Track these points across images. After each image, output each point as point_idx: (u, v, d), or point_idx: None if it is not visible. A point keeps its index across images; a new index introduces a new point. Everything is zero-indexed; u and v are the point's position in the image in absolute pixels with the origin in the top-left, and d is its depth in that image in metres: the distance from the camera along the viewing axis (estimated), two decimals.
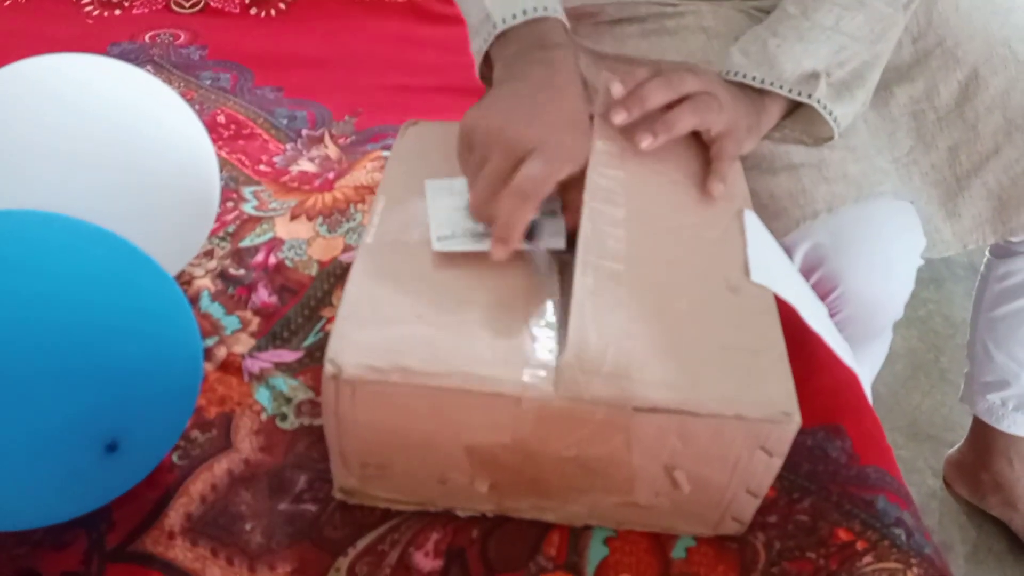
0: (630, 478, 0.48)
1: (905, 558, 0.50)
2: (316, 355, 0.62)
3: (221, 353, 0.62)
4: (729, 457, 0.46)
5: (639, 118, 0.58)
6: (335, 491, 0.52)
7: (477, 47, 0.63)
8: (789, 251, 0.68)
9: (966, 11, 0.72)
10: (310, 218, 0.76)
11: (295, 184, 0.81)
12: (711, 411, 0.44)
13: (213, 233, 0.73)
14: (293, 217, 0.76)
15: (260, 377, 0.60)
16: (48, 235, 0.47)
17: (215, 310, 0.66)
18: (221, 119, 0.91)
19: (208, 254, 0.71)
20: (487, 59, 0.64)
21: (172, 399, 0.48)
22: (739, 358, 0.47)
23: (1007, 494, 1.02)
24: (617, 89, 0.58)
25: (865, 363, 0.81)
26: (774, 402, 0.45)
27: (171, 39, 1.07)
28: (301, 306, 0.67)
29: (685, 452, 0.46)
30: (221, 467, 0.54)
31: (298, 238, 0.73)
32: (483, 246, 0.52)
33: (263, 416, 0.57)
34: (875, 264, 0.67)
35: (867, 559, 0.50)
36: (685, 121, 0.58)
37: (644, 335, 0.47)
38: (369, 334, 0.46)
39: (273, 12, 1.14)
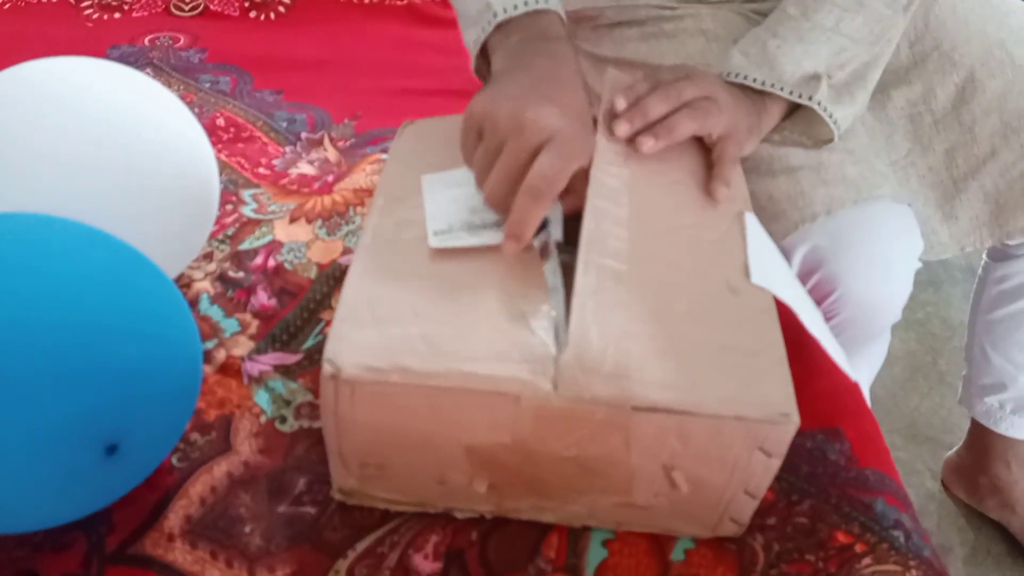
0: (629, 478, 0.48)
1: (904, 560, 0.50)
2: (315, 358, 0.62)
3: (220, 356, 0.62)
4: (728, 458, 0.46)
5: (641, 126, 0.58)
6: (334, 492, 0.52)
7: (474, 37, 0.62)
8: (788, 253, 0.68)
9: (963, 14, 0.73)
10: (309, 221, 0.76)
11: (294, 187, 0.81)
12: (710, 411, 0.44)
13: (212, 236, 0.73)
14: (292, 220, 0.76)
15: (259, 380, 0.60)
16: (48, 238, 0.48)
17: (214, 313, 0.66)
18: (220, 122, 0.91)
19: (207, 257, 0.71)
20: (483, 53, 0.64)
21: (172, 401, 0.48)
22: (739, 359, 0.47)
23: (1005, 496, 1.02)
24: (620, 103, 0.58)
25: (864, 365, 0.81)
26: (773, 403, 0.45)
27: (171, 42, 1.07)
28: (300, 309, 0.67)
29: (684, 452, 0.46)
30: (221, 469, 0.54)
31: (297, 241, 0.74)
32: (480, 240, 0.52)
33: (262, 419, 0.58)
34: (873, 266, 0.67)
35: (866, 561, 0.50)
36: (684, 126, 0.58)
37: (644, 335, 0.47)
38: (367, 334, 0.46)
39: (272, 15, 1.14)
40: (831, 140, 0.68)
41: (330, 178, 0.82)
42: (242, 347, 0.63)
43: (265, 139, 0.88)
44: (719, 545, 0.51)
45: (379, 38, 1.10)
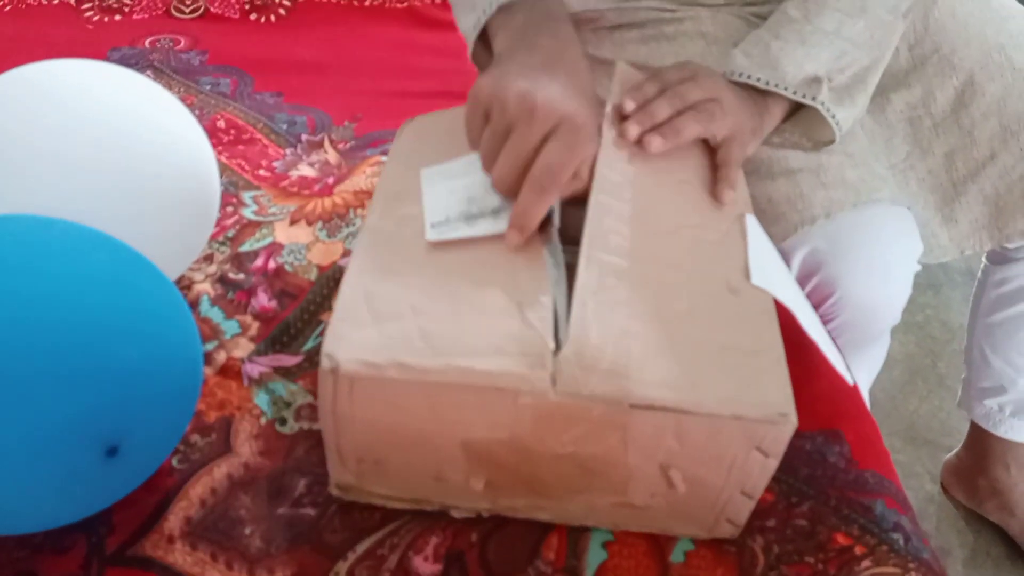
0: (626, 478, 0.48)
1: (903, 562, 0.50)
2: (316, 359, 0.62)
3: (221, 357, 0.62)
4: (725, 457, 0.46)
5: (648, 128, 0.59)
6: (331, 487, 0.52)
7: (474, 21, 0.62)
8: (787, 256, 0.68)
9: (962, 18, 0.73)
10: (310, 223, 0.76)
11: (295, 189, 0.81)
12: (708, 410, 0.44)
13: (213, 238, 0.73)
14: (293, 222, 0.76)
15: (260, 381, 0.61)
16: (49, 240, 0.48)
17: (215, 314, 0.66)
18: (221, 124, 0.91)
19: (208, 259, 0.71)
20: (483, 39, 0.63)
21: (172, 403, 0.48)
22: (737, 359, 0.47)
23: (1004, 499, 1.02)
24: (629, 105, 0.58)
25: (863, 368, 0.81)
26: (771, 403, 0.45)
27: (171, 44, 1.07)
28: (301, 311, 0.67)
29: (681, 451, 0.46)
30: (221, 471, 0.54)
31: (298, 243, 0.74)
32: (477, 230, 0.52)
33: (263, 420, 0.58)
34: (873, 269, 0.67)
35: (865, 563, 0.50)
36: (690, 129, 0.59)
37: (644, 333, 0.47)
38: (365, 329, 0.46)
39: (273, 17, 1.15)
40: (831, 142, 0.68)
41: (330, 180, 0.82)
42: (242, 349, 0.63)
43: (265, 141, 0.89)
44: (719, 547, 0.51)
45: (379, 40, 1.10)
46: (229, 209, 0.77)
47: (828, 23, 0.64)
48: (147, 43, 1.07)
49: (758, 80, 0.64)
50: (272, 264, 0.71)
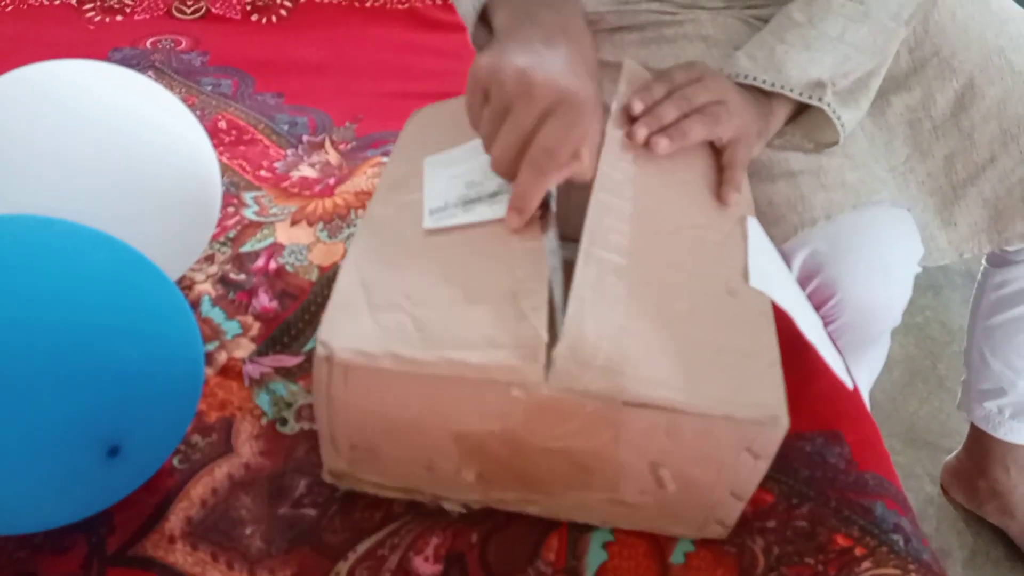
0: (616, 474, 0.48)
1: (903, 564, 0.50)
2: None
3: (222, 358, 0.62)
4: (715, 457, 0.46)
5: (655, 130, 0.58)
6: (324, 474, 0.52)
7: (470, 3, 0.61)
8: (787, 258, 0.68)
9: (962, 21, 0.73)
10: (311, 223, 0.76)
11: (296, 190, 0.81)
12: (700, 410, 0.44)
13: (214, 238, 0.73)
14: (294, 222, 0.76)
15: (260, 382, 0.61)
16: (50, 240, 0.48)
17: (216, 315, 0.66)
18: (222, 125, 0.91)
19: (209, 259, 0.71)
20: (484, 20, 0.63)
21: (173, 403, 0.48)
22: (732, 360, 0.47)
23: (1004, 501, 1.02)
24: (637, 107, 0.58)
25: (863, 369, 0.81)
26: (763, 405, 0.45)
27: (172, 45, 1.07)
28: (302, 311, 0.67)
29: (672, 450, 0.46)
30: (221, 471, 0.54)
31: (299, 243, 0.74)
32: (474, 216, 0.52)
33: (263, 421, 0.58)
34: (873, 271, 0.67)
35: (865, 565, 0.50)
36: (696, 132, 0.59)
37: (640, 332, 0.47)
38: (361, 318, 0.46)
39: (274, 18, 1.15)
40: (833, 143, 0.68)
41: (331, 181, 0.82)
42: (243, 349, 0.63)
43: (267, 142, 0.89)
44: (718, 548, 0.51)
45: (380, 42, 1.10)
46: (230, 210, 0.77)
47: (832, 28, 0.64)
48: (148, 44, 1.07)
49: (763, 82, 0.64)
50: (273, 265, 0.71)
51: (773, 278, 0.54)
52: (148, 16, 1.14)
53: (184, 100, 0.94)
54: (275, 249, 0.73)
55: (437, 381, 0.45)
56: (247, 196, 0.79)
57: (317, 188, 0.81)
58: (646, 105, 0.59)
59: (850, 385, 0.53)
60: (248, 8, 1.16)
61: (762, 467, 0.46)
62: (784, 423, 0.44)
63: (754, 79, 0.64)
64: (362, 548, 0.50)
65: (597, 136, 0.53)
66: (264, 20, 1.15)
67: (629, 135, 0.58)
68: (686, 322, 0.48)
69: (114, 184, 0.58)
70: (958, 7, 0.74)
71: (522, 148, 0.50)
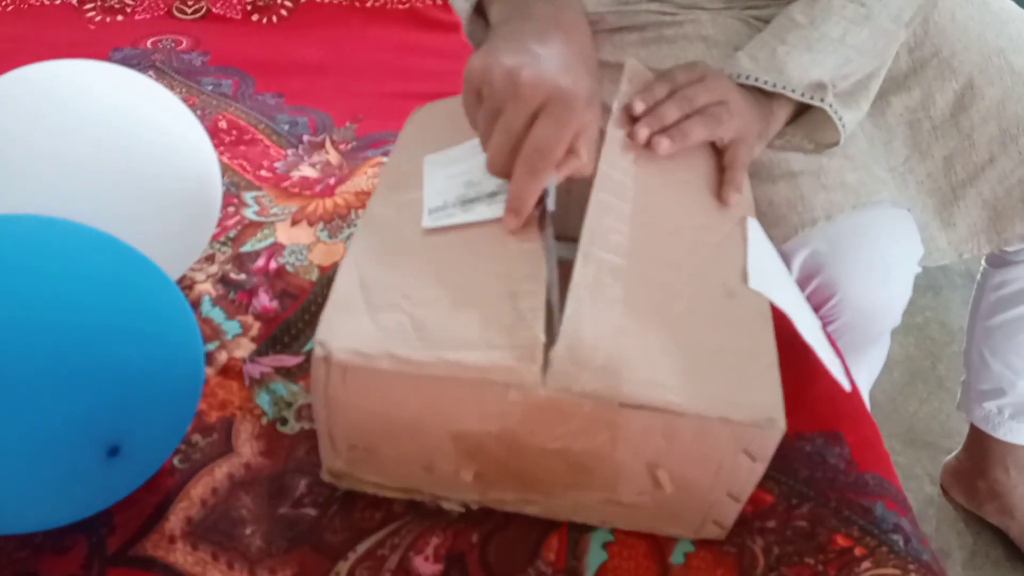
0: (614, 475, 0.48)
1: (903, 564, 0.50)
2: None
3: (222, 357, 0.62)
4: (712, 459, 0.46)
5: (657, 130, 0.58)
6: (323, 473, 0.52)
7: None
8: (788, 258, 0.68)
9: (962, 21, 0.73)
10: (311, 223, 0.76)
11: (296, 190, 0.81)
12: (697, 412, 0.44)
13: (214, 238, 0.73)
14: (294, 222, 0.76)
15: (261, 382, 0.61)
16: (51, 239, 0.48)
17: (216, 315, 0.66)
18: (223, 125, 0.91)
19: (209, 259, 0.71)
20: (480, 14, 0.62)
21: (173, 403, 0.48)
22: (730, 361, 0.47)
23: (1004, 501, 1.03)
24: (638, 107, 0.58)
25: (863, 370, 0.82)
26: (760, 407, 0.45)
27: (173, 45, 1.07)
28: (302, 311, 0.67)
29: (669, 451, 0.46)
30: (222, 471, 0.54)
31: (299, 243, 0.74)
32: (473, 216, 0.52)
33: (264, 420, 0.58)
34: (873, 271, 0.67)
35: (865, 565, 0.50)
36: (697, 133, 0.59)
37: (638, 333, 0.47)
38: (359, 318, 0.46)
39: (274, 18, 1.15)
40: (834, 144, 0.68)
41: (332, 181, 0.82)
42: (243, 349, 0.63)
43: (267, 142, 0.89)
44: (719, 548, 0.51)
45: (380, 42, 1.10)
46: (231, 209, 0.77)
47: (834, 30, 0.64)
48: (149, 44, 1.07)
49: (765, 83, 0.64)
50: (273, 264, 0.71)
51: (772, 279, 0.54)
52: (149, 16, 1.14)
53: (185, 100, 0.94)
54: (275, 249, 0.73)
55: (435, 382, 0.45)
56: (247, 196, 0.79)
57: (317, 188, 0.81)
58: (647, 105, 0.59)
59: (848, 387, 0.53)
60: (248, 8, 1.16)
61: (759, 469, 0.46)
62: (781, 425, 0.44)
63: (755, 80, 0.65)
64: (362, 548, 0.50)
65: (595, 130, 0.52)
66: (264, 20, 1.15)
67: (630, 135, 0.58)
68: (684, 323, 0.48)
69: (115, 184, 0.58)
70: (958, 8, 0.74)
71: (515, 148, 0.50)
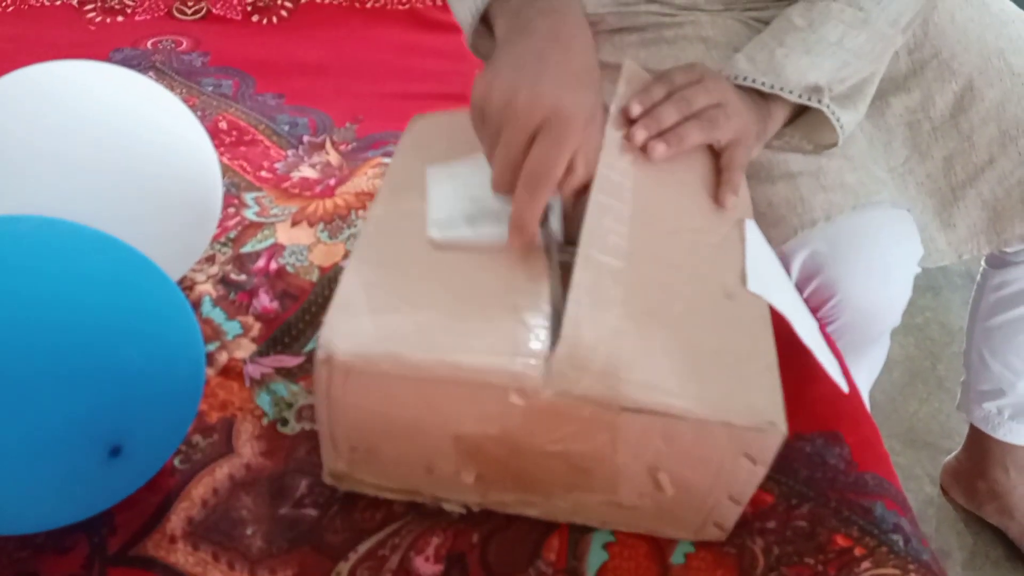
0: (614, 477, 0.48)
1: (903, 564, 0.51)
2: None
3: (222, 358, 0.62)
4: (713, 462, 0.46)
5: (654, 133, 0.58)
6: (324, 475, 0.52)
7: (471, 7, 0.61)
8: (787, 259, 0.68)
9: (962, 23, 0.73)
10: (311, 224, 0.76)
11: (296, 190, 0.81)
12: (698, 416, 0.45)
13: (215, 239, 0.73)
14: (294, 223, 0.76)
15: (261, 382, 0.61)
16: (51, 240, 0.48)
17: (216, 315, 0.66)
18: (223, 125, 0.91)
19: (210, 259, 0.72)
20: (488, 25, 0.63)
21: (174, 403, 0.49)
22: (730, 364, 0.47)
23: (1003, 502, 1.03)
24: (635, 109, 0.58)
25: (863, 370, 0.82)
26: (761, 411, 0.45)
27: (173, 46, 1.07)
28: (302, 311, 0.67)
29: (669, 454, 0.46)
30: (222, 472, 0.54)
31: (299, 244, 0.74)
32: (479, 235, 0.52)
33: (264, 421, 0.58)
34: (872, 272, 0.67)
35: (865, 565, 0.50)
36: (693, 137, 0.59)
37: (638, 335, 0.47)
38: (362, 321, 0.47)
39: (275, 19, 1.15)
40: (832, 145, 0.68)
41: (332, 182, 0.82)
42: (244, 350, 0.63)
43: (267, 143, 0.89)
44: (719, 549, 0.51)
45: (380, 42, 1.10)
46: (231, 210, 0.77)
47: (832, 33, 0.64)
48: (149, 44, 1.07)
49: (763, 84, 0.64)
50: (274, 265, 0.71)
51: (770, 282, 0.54)
52: (149, 17, 1.14)
53: (185, 101, 0.93)
54: (276, 250, 0.73)
55: (436, 384, 0.45)
56: (248, 197, 0.79)
57: (318, 189, 0.81)
58: (645, 107, 0.59)
59: (845, 388, 0.53)
60: (249, 9, 1.16)
61: (760, 472, 0.47)
62: (782, 429, 0.45)
63: (753, 81, 0.65)
64: (363, 548, 0.50)
65: (595, 142, 0.53)
66: (265, 21, 1.15)
67: (628, 137, 0.58)
68: (683, 325, 0.49)
69: (115, 185, 0.58)
70: (957, 9, 0.74)
71: (516, 168, 0.51)
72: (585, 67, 0.54)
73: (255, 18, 1.15)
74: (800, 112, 0.68)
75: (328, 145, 0.88)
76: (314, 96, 0.97)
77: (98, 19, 1.13)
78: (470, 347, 0.46)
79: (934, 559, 0.52)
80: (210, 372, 0.61)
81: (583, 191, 0.53)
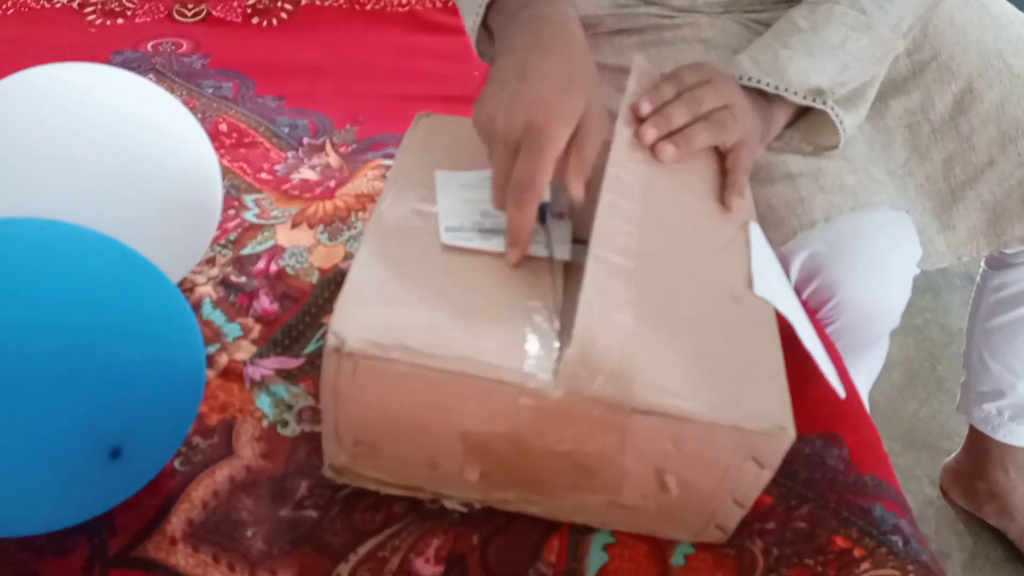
0: (620, 478, 0.48)
1: (902, 565, 0.51)
2: (317, 362, 0.63)
3: (223, 360, 0.62)
4: (720, 465, 0.46)
5: (664, 133, 0.59)
6: (324, 469, 0.52)
7: (472, 22, 0.63)
8: (787, 260, 0.68)
9: (961, 25, 0.73)
10: (311, 226, 0.76)
11: (296, 192, 0.81)
12: (708, 419, 0.45)
13: (215, 240, 0.73)
14: (294, 225, 0.76)
15: (261, 384, 0.61)
16: (52, 242, 0.48)
17: (217, 317, 0.66)
18: (223, 127, 0.91)
19: (210, 261, 0.72)
20: (488, 33, 0.64)
21: (175, 405, 0.49)
22: (738, 368, 0.47)
23: (1003, 503, 1.03)
24: (645, 107, 0.59)
25: (862, 371, 0.82)
26: (770, 415, 0.45)
27: (173, 48, 1.07)
28: (302, 313, 0.67)
29: (677, 456, 0.46)
30: (223, 473, 0.54)
31: (299, 246, 0.74)
32: (489, 244, 0.53)
33: (264, 423, 0.58)
34: (872, 273, 0.67)
35: (864, 566, 0.51)
36: (701, 139, 0.59)
37: (648, 337, 0.47)
38: (373, 312, 0.47)
39: (275, 21, 1.15)
40: (833, 147, 0.68)
41: (332, 183, 0.82)
42: (244, 351, 0.63)
43: (267, 144, 0.89)
44: (719, 550, 0.51)
45: (380, 44, 1.10)
46: (231, 212, 0.77)
47: (834, 36, 0.64)
48: (149, 47, 1.07)
49: (767, 85, 0.65)
50: (274, 267, 0.71)
51: (775, 285, 0.54)
52: (149, 19, 1.14)
53: (185, 103, 0.93)
54: (276, 251, 0.73)
55: (447, 378, 0.45)
56: (248, 199, 0.79)
57: (318, 190, 0.81)
58: (655, 106, 0.59)
59: (842, 394, 0.53)
60: (249, 11, 1.16)
61: (766, 475, 0.47)
62: (791, 434, 0.45)
63: (757, 82, 0.65)
64: (363, 550, 0.50)
65: (593, 130, 0.54)
66: (265, 23, 1.15)
67: (637, 135, 0.58)
68: (692, 328, 0.49)
69: (115, 187, 0.58)
70: (957, 11, 0.74)
71: (507, 184, 0.53)
72: (566, 68, 0.55)
73: (255, 20, 1.15)
74: (800, 114, 0.68)
75: (328, 147, 0.89)
76: (314, 98, 0.97)
77: (98, 21, 1.13)
78: (482, 345, 0.46)
79: (933, 560, 0.52)
80: (210, 374, 0.61)
81: (591, 186, 0.54)
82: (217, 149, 0.69)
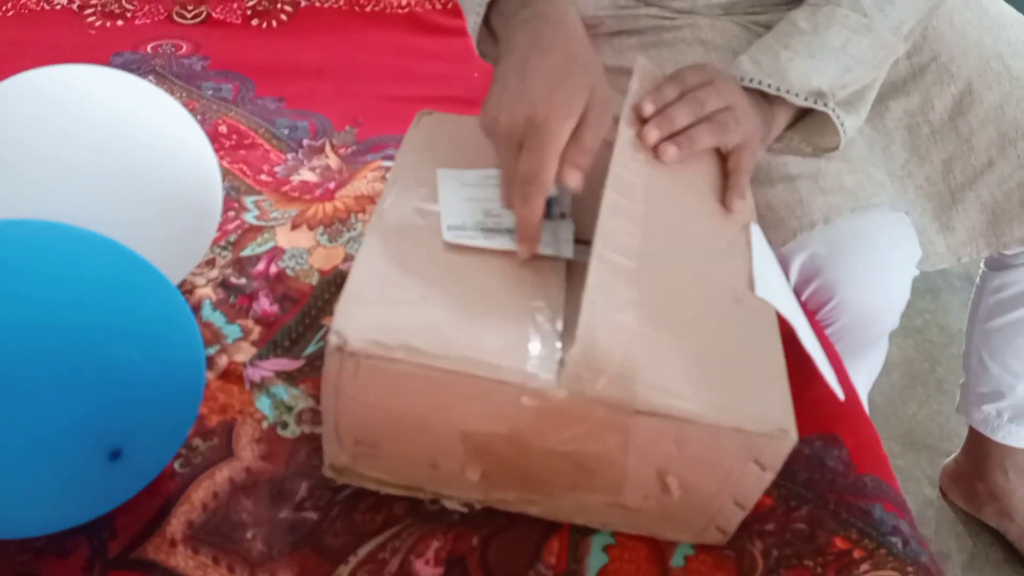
0: (621, 479, 0.48)
1: (902, 566, 0.51)
2: (317, 364, 0.63)
3: (222, 362, 0.62)
4: (722, 467, 0.46)
5: (667, 134, 0.59)
6: (324, 468, 0.52)
7: (472, 23, 0.64)
8: (786, 261, 0.68)
9: (960, 26, 0.74)
10: (311, 227, 0.76)
11: (296, 194, 0.81)
12: (710, 421, 0.45)
13: (215, 242, 0.73)
14: (294, 227, 0.76)
15: (261, 385, 0.61)
16: (52, 244, 0.48)
17: (216, 319, 0.66)
18: (223, 129, 0.91)
19: (210, 263, 0.72)
20: (490, 33, 0.64)
21: (174, 407, 0.49)
22: (740, 370, 0.47)
23: (1003, 504, 1.03)
24: (648, 108, 0.59)
25: (861, 372, 0.82)
26: (772, 418, 0.45)
27: (173, 49, 1.07)
28: (302, 315, 0.67)
29: (679, 458, 0.46)
30: (223, 475, 0.54)
31: (299, 247, 0.74)
32: (492, 243, 0.53)
33: (264, 424, 0.58)
34: (871, 274, 0.67)
35: (864, 567, 0.51)
36: (703, 140, 0.59)
37: (651, 338, 0.47)
38: (376, 311, 0.47)
39: (274, 23, 1.15)
40: (833, 148, 0.68)
41: (331, 185, 0.82)
42: (244, 353, 0.63)
43: (267, 146, 0.89)
44: (718, 551, 0.51)
45: (380, 46, 1.10)
46: (231, 214, 0.77)
47: (836, 39, 0.64)
48: (149, 48, 1.08)
49: (768, 86, 0.65)
50: (274, 269, 0.72)
51: (775, 287, 0.54)
52: (149, 21, 1.14)
53: (185, 104, 0.93)
54: (275, 253, 0.73)
55: (449, 378, 0.45)
56: (248, 200, 0.80)
57: (317, 192, 0.81)
58: (658, 106, 0.59)
59: (842, 397, 0.53)
60: (248, 13, 1.16)
61: (768, 478, 0.47)
62: (793, 436, 0.45)
63: (759, 83, 0.65)
64: (363, 551, 0.50)
65: (598, 119, 0.54)
66: (264, 25, 1.15)
67: (640, 136, 0.58)
68: (694, 330, 0.49)
69: (115, 188, 0.58)
70: (956, 13, 0.74)
71: (513, 182, 0.53)
72: (566, 63, 0.55)
73: (255, 22, 1.15)
74: (800, 115, 0.68)
75: (328, 148, 0.89)
76: (314, 100, 0.97)
77: (98, 23, 1.13)
78: (484, 345, 0.46)
79: (933, 561, 0.52)
80: (210, 375, 0.61)
81: (594, 186, 0.54)
82: (217, 151, 0.69)
